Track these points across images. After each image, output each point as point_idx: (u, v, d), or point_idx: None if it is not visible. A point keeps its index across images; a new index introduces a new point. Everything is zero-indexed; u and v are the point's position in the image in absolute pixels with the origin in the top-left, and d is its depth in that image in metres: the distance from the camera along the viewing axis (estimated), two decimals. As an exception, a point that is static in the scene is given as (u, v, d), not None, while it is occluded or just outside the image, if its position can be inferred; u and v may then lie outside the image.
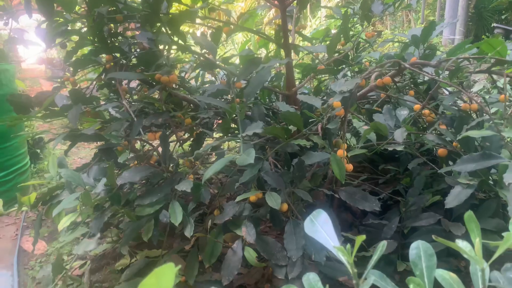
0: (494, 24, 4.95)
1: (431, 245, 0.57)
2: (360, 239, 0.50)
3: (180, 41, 1.32)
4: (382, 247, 0.53)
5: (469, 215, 0.58)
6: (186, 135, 1.67)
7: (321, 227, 0.56)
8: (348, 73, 1.91)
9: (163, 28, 1.21)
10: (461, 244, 0.50)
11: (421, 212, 1.46)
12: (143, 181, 1.43)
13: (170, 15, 1.08)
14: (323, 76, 2.21)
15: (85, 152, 3.42)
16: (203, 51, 1.36)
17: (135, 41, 1.38)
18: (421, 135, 1.41)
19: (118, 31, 1.48)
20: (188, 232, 1.15)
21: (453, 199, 1.21)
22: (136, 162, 1.33)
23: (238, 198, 1.21)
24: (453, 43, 5.02)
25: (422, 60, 1.50)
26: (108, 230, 1.59)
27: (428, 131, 1.44)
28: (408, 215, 1.51)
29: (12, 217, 2.14)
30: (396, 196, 1.59)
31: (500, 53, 1.25)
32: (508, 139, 1.20)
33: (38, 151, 2.79)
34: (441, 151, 1.36)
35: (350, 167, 1.23)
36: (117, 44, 1.39)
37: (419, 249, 0.57)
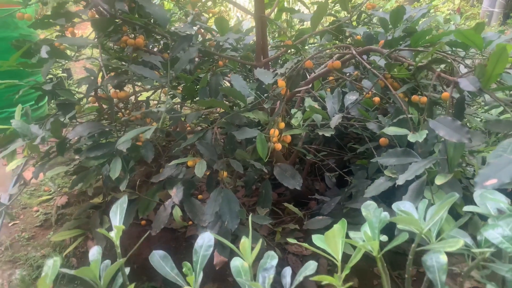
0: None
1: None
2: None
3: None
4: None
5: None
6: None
7: (119, 213, 0.67)
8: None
9: None
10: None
11: (362, 195, 1.50)
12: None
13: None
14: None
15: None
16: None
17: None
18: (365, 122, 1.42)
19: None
20: (122, 186, 1.30)
21: (372, 189, 1.25)
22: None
23: (174, 162, 1.33)
24: (491, 16, 4.54)
25: (388, 43, 1.47)
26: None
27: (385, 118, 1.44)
28: (354, 196, 1.56)
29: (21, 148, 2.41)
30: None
31: (476, 45, 1.19)
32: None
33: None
34: (382, 141, 1.37)
35: (278, 146, 1.29)
36: None
37: (203, 240, 0.66)
